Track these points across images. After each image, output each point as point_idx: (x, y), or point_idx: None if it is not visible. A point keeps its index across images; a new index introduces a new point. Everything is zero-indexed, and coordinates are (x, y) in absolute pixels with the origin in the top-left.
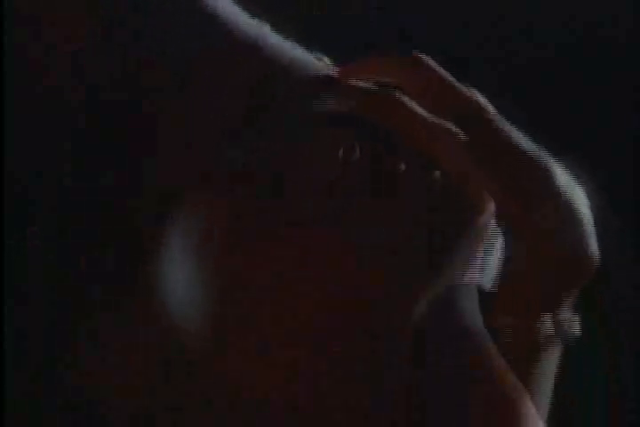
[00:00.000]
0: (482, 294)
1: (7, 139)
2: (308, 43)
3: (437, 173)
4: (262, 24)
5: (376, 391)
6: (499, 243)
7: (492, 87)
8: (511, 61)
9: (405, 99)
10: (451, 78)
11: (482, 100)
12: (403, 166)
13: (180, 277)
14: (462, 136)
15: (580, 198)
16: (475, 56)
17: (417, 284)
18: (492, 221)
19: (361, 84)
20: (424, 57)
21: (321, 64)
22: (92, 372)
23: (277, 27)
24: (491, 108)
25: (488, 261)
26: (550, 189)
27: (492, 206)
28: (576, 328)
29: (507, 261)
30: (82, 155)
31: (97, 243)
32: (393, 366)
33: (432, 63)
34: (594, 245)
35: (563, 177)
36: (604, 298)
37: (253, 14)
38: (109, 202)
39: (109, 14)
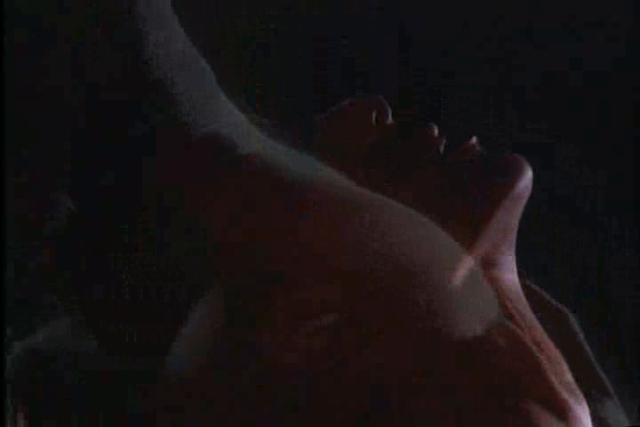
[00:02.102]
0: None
1: (7, 139)
2: (308, 43)
3: (474, 139)
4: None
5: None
6: None
7: (491, 87)
8: (511, 61)
9: None
10: None
11: None
12: (437, 132)
13: None
14: None
15: None
16: (475, 56)
17: (461, 250)
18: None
19: None
20: None
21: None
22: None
23: (278, 27)
24: None
25: None
26: None
27: (529, 172)
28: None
29: None
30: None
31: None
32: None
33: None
34: None
35: None
36: (603, 298)
37: (254, 16)
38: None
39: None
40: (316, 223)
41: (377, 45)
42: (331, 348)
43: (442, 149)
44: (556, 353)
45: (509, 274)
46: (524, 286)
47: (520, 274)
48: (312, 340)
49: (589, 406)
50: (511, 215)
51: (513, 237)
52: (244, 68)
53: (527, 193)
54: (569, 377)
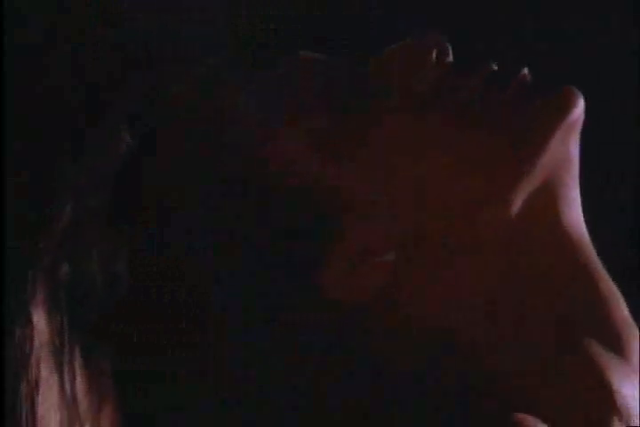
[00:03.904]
0: None
1: (8, 139)
2: (308, 42)
3: (525, 70)
4: None
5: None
6: None
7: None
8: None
9: None
10: None
11: None
12: (494, 67)
13: None
14: None
15: None
16: (475, 56)
17: (512, 179)
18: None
19: None
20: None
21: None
22: None
23: (278, 27)
24: None
25: None
26: None
27: (582, 102)
28: None
29: None
30: None
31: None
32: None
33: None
34: None
35: None
36: None
37: (254, 15)
38: None
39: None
40: (387, 164)
41: (377, 45)
42: (393, 283)
43: (499, 83)
44: (615, 290)
45: (572, 212)
46: None
47: None
48: (370, 276)
49: None
50: (567, 145)
51: (575, 169)
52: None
53: (580, 123)
54: (625, 312)
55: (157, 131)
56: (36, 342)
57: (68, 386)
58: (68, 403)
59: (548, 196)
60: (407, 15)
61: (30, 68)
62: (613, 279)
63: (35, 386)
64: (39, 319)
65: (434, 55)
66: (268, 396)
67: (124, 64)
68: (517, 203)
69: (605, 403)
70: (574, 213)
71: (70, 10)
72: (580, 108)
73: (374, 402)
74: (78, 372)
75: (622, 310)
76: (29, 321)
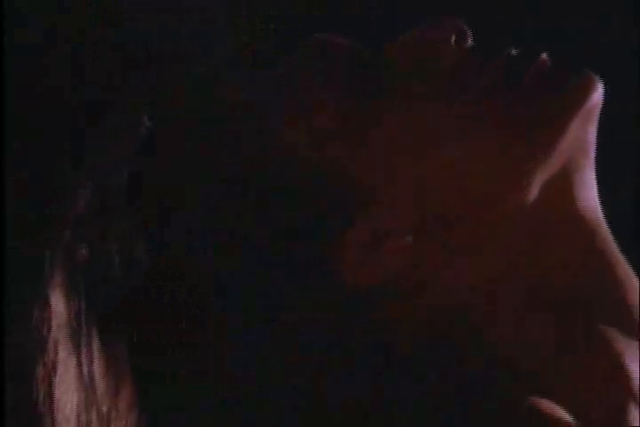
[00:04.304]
0: None
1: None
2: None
3: (544, 55)
4: None
5: None
6: None
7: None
8: None
9: None
10: None
11: None
12: (513, 51)
13: None
14: None
15: None
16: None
17: (531, 163)
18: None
19: None
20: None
21: None
22: None
23: (278, 27)
24: None
25: None
26: None
27: (601, 87)
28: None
29: None
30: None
31: None
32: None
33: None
34: None
35: None
36: None
37: (254, 15)
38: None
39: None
40: (409, 149)
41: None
42: (405, 269)
43: (519, 68)
44: (632, 275)
45: (587, 194)
46: None
47: None
48: (386, 261)
49: None
50: (585, 130)
51: (592, 153)
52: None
53: (599, 108)
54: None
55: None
56: (54, 325)
57: (85, 368)
58: (86, 385)
59: (566, 180)
60: (407, 15)
61: (30, 68)
62: None
63: (52, 368)
64: (57, 302)
65: (453, 39)
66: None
67: (124, 64)
68: (535, 187)
69: (621, 388)
70: (591, 196)
71: (70, 10)
72: (599, 94)
73: (387, 395)
74: (96, 354)
75: (638, 294)
76: (47, 303)
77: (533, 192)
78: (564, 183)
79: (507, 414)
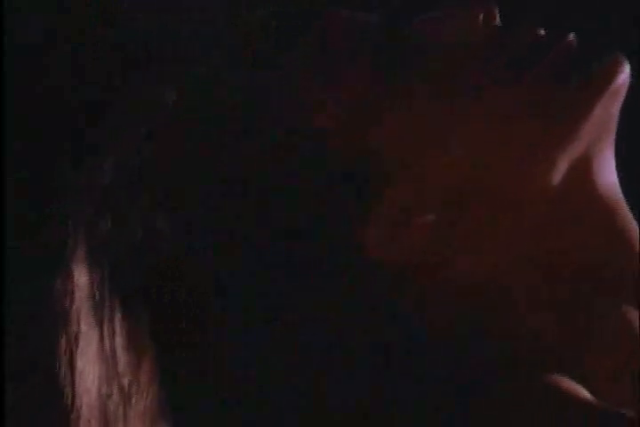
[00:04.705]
0: None
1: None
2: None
3: (571, 35)
4: None
5: None
6: None
7: None
8: None
9: None
10: None
11: None
12: (541, 32)
13: None
14: None
15: None
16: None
17: (557, 145)
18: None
19: None
20: None
21: None
22: None
23: (278, 26)
24: None
25: None
26: None
27: (627, 67)
28: None
29: None
30: None
31: None
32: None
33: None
34: None
35: None
36: None
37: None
38: None
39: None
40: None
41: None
42: (431, 245)
43: (545, 47)
44: None
45: (608, 174)
46: None
47: None
48: (413, 236)
49: None
50: (609, 112)
51: (614, 130)
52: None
53: (624, 89)
54: None
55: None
56: (77, 297)
57: (107, 341)
58: (107, 358)
59: (588, 161)
60: (407, 15)
61: (30, 68)
62: None
63: (74, 340)
64: (80, 275)
65: (481, 17)
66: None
67: (124, 64)
68: (560, 169)
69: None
70: (611, 176)
71: (70, 10)
72: (625, 75)
73: (388, 395)
74: (118, 328)
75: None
76: (70, 276)
77: (558, 174)
78: (586, 164)
79: (525, 392)
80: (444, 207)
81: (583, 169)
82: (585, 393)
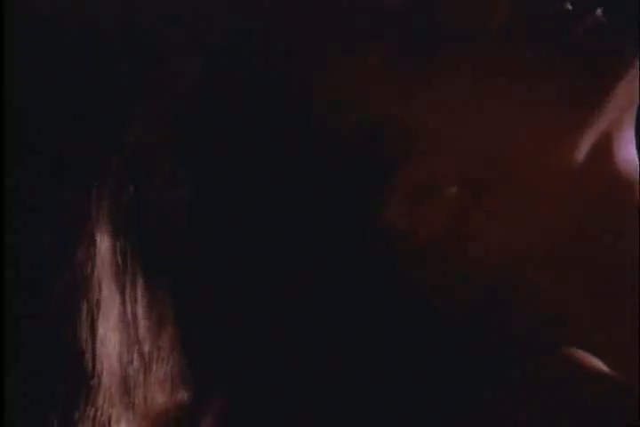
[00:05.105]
0: None
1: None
2: None
3: (599, 10)
4: None
5: None
6: None
7: None
8: None
9: None
10: None
11: None
12: (569, 6)
13: None
14: None
15: None
16: None
17: (579, 122)
18: None
19: None
20: None
21: None
22: None
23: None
24: None
25: None
26: None
27: None
28: None
29: None
30: None
31: None
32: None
33: None
34: None
35: None
36: None
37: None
38: None
39: None
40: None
41: None
42: (455, 222)
43: (572, 22)
44: None
45: (628, 153)
46: None
47: None
48: (434, 213)
49: None
50: (632, 90)
51: (634, 112)
52: None
53: None
54: None
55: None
56: (98, 263)
57: (129, 308)
58: (129, 325)
59: (609, 138)
60: None
61: (30, 68)
62: None
63: (95, 306)
64: (102, 240)
65: None
66: None
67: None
68: (584, 144)
69: None
70: (631, 154)
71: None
72: None
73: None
74: (139, 294)
75: None
76: (92, 241)
77: (580, 153)
78: (607, 142)
79: (541, 365)
80: (468, 184)
81: (604, 148)
82: (601, 366)
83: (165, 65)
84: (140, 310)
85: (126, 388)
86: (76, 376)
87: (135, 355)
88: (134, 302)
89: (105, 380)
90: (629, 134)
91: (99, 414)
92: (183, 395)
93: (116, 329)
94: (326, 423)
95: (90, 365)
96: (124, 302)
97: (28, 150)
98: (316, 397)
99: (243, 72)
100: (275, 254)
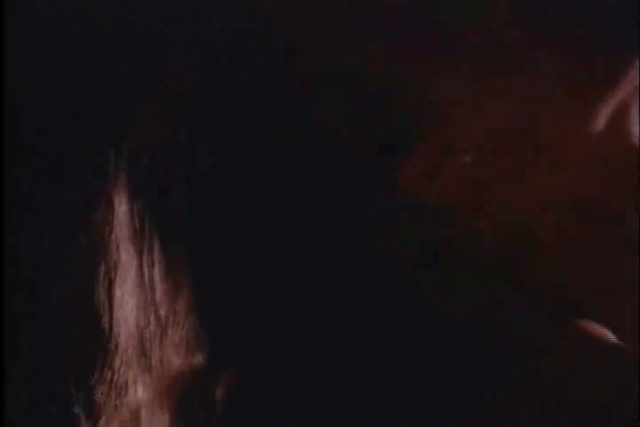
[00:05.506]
0: None
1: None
2: None
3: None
4: None
5: None
6: None
7: None
8: None
9: None
10: None
11: None
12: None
13: None
14: None
15: None
16: None
17: (598, 97)
18: None
19: None
20: None
21: None
22: None
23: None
24: None
25: None
26: None
27: None
28: None
29: None
30: None
31: None
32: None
33: None
34: None
35: None
36: None
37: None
38: None
39: None
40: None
41: None
42: (471, 187)
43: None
44: None
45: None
46: None
47: None
48: (454, 177)
49: None
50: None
51: None
52: None
53: None
54: None
55: None
56: (116, 225)
57: (146, 271)
58: (146, 288)
59: (624, 111)
60: None
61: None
62: None
63: (113, 269)
64: (120, 203)
65: None
66: None
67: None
68: (602, 114)
69: None
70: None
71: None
72: None
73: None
74: (157, 257)
75: None
76: (110, 205)
77: (598, 122)
78: (622, 114)
79: (554, 338)
80: (485, 149)
81: (619, 119)
82: (614, 339)
83: (165, 65)
84: (157, 274)
85: (143, 351)
86: (94, 339)
87: (152, 318)
88: (151, 265)
89: (122, 343)
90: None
91: (116, 377)
92: (198, 359)
93: (134, 292)
94: (326, 423)
95: (107, 327)
96: (141, 266)
97: (28, 150)
98: (316, 397)
99: (243, 72)
100: (275, 254)
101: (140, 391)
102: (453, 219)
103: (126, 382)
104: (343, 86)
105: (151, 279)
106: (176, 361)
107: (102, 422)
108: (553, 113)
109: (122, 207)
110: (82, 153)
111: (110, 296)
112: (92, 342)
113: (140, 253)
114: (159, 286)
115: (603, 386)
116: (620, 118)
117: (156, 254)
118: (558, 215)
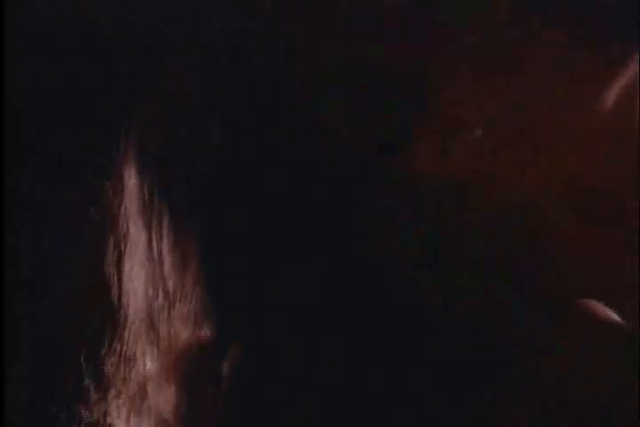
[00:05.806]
0: None
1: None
2: None
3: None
4: None
5: None
6: None
7: None
8: None
9: None
10: None
11: None
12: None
13: None
14: None
15: None
16: None
17: (609, 75)
18: None
19: None
20: None
21: None
22: None
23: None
24: None
25: None
26: None
27: None
28: None
29: None
30: None
31: None
32: None
33: None
34: None
35: None
36: None
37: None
38: None
39: None
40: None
41: None
42: (483, 163)
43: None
44: None
45: None
46: None
47: None
48: (465, 151)
49: None
50: None
51: None
52: None
53: None
54: None
55: None
56: (126, 199)
57: (155, 244)
58: (154, 261)
59: (633, 88)
60: None
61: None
62: None
63: (122, 241)
64: (129, 176)
65: None
66: None
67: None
68: (612, 93)
69: None
70: None
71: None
72: None
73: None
74: (165, 230)
75: None
76: (121, 178)
77: (608, 102)
78: (631, 90)
79: (557, 316)
80: (495, 124)
81: (629, 95)
82: (616, 316)
83: (165, 65)
84: (166, 248)
85: (151, 323)
86: (102, 310)
87: (160, 291)
88: (160, 239)
89: (130, 315)
90: None
91: (125, 348)
92: (205, 332)
93: (142, 265)
94: (326, 423)
95: (116, 299)
96: (150, 239)
97: (28, 150)
98: (316, 397)
99: (243, 72)
100: (275, 254)
101: (148, 364)
102: (468, 190)
103: (135, 355)
104: (343, 86)
105: (160, 253)
106: (183, 334)
107: (111, 394)
108: (553, 113)
109: (131, 180)
110: (82, 153)
111: (119, 269)
112: (101, 314)
113: (148, 227)
114: (167, 260)
115: (603, 386)
116: (628, 92)
117: (165, 228)
118: (569, 191)
